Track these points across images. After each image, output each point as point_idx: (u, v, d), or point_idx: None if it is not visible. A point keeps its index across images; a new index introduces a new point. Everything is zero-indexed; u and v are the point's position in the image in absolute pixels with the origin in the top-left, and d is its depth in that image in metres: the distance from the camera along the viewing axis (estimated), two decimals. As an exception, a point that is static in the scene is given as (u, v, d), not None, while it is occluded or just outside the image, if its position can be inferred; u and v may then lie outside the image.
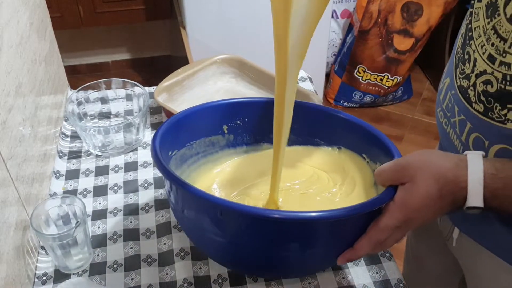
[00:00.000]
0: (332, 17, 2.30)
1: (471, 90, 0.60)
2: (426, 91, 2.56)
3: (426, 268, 0.93)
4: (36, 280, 0.72)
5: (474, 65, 0.59)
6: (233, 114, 0.77)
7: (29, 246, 0.73)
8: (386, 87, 2.32)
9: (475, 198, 0.52)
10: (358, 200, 0.69)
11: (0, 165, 0.64)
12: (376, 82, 2.31)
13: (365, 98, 2.37)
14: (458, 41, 0.65)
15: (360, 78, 2.31)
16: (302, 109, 0.75)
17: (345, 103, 2.41)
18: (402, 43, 2.20)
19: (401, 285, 0.72)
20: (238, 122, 0.77)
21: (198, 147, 0.76)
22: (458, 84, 0.63)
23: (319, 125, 0.77)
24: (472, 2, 0.61)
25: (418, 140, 2.27)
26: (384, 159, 0.66)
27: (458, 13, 2.25)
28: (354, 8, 2.28)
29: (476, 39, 0.59)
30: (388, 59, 2.24)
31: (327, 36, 2.08)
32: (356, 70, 2.30)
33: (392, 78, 2.29)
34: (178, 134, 0.72)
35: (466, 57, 0.61)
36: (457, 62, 0.64)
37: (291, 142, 0.77)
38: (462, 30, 0.64)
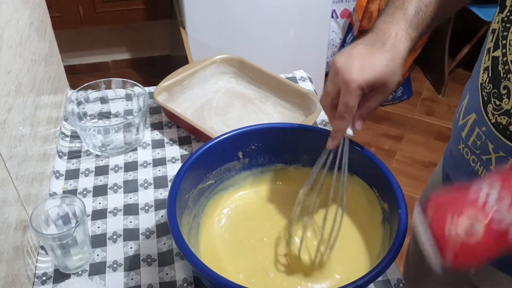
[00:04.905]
0: (332, 17, 2.30)
1: None
2: (426, 91, 2.56)
3: (429, 280, 0.92)
4: (36, 280, 0.72)
5: None
6: (247, 141, 0.77)
7: (29, 246, 0.73)
8: (386, 87, 2.32)
9: None
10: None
11: (0, 165, 0.64)
12: (376, 82, 2.31)
13: (365, 98, 2.37)
14: (481, 76, 0.62)
15: (360, 78, 2.31)
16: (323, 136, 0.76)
17: (345, 103, 2.41)
18: (402, 43, 2.20)
19: (401, 285, 0.72)
20: (253, 147, 0.78)
21: (214, 177, 0.76)
22: (493, 121, 0.59)
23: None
24: (502, 32, 0.58)
25: (418, 140, 2.26)
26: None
27: (458, 12, 2.24)
28: (354, 8, 2.28)
29: None
30: (388, 59, 2.24)
31: (327, 36, 2.08)
32: (356, 70, 2.29)
33: (392, 78, 2.29)
34: (193, 176, 0.71)
35: (504, 91, 0.57)
36: (486, 98, 0.60)
37: (303, 162, 0.79)
38: (486, 63, 0.61)
